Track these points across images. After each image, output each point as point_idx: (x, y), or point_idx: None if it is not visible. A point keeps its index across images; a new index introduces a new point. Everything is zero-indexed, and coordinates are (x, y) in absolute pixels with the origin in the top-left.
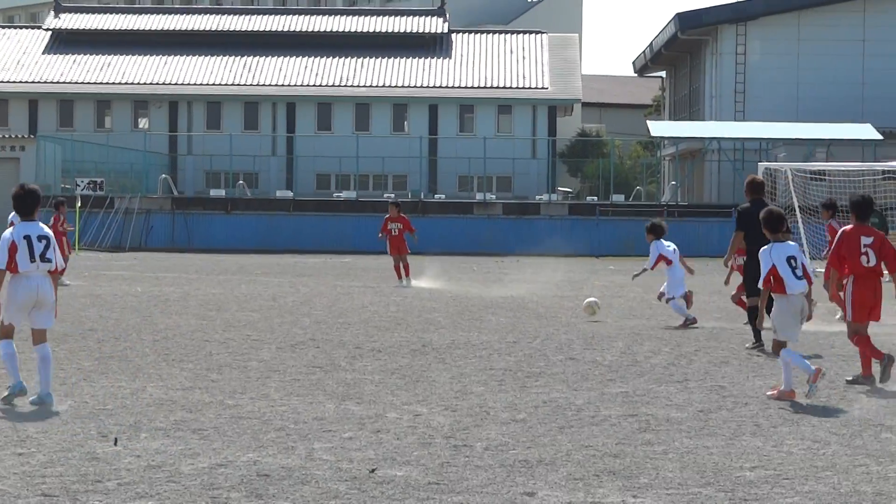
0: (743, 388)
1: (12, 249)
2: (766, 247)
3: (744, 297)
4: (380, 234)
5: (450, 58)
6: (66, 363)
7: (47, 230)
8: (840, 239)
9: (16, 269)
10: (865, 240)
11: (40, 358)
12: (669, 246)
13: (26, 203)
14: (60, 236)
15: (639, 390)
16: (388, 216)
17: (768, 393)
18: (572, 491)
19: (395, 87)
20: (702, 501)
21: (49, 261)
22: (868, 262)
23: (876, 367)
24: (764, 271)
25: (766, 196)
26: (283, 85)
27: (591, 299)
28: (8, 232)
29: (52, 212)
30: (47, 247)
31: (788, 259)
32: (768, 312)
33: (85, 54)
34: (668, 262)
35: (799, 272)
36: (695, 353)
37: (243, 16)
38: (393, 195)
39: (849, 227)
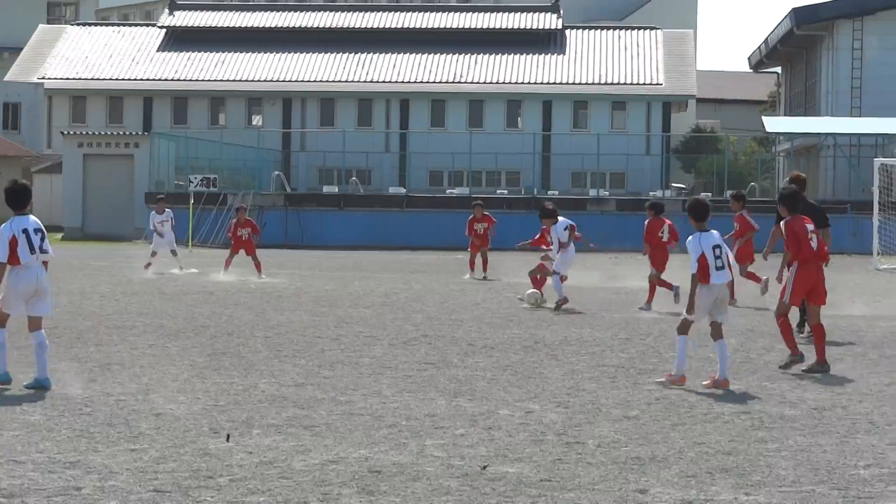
0: (857, 386)
1: (13, 243)
2: (693, 236)
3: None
4: (467, 234)
5: (563, 54)
6: (178, 359)
7: (40, 223)
8: (791, 229)
9: (17, 261)
10: (809, 226)
11: (37, 344)
12: (565, 228)
13: (18, 198)
14: (238, 240)
15: (752, 387)
16: (472, 217)
17: (659, 379)
18: (685, 488)
19: (509, 83)
20: (815, 499)
21: (46, 251)
22: (815, 246)
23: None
24: (694, 259)
25: (803, 191)
26: (396, 81)
27: (531, 291)
28: (5, 226)
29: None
30: (43, 238)
31: (714, 248)
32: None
33: (199, 52)
34: (563, 245)
35: (720, 262)
36: (808, 350)
37: (357, 12)
38: (506, 191)
39: (790, 218)
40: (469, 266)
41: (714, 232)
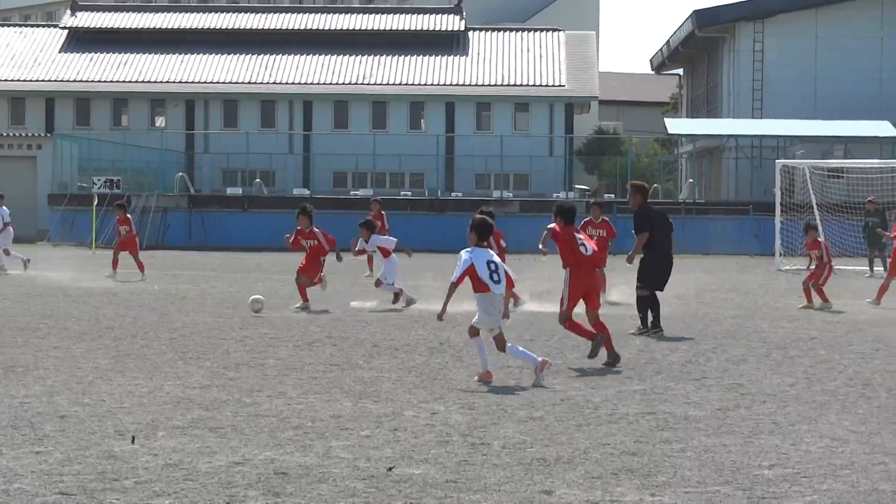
0: (761, 386)
1: None
2: (466, 250)
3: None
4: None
5: (467, 55)
6: (82, 361)
7: None
8: (560, 238)
9: None
10: (578, 236)
11: None
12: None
13: None
14: (118, 237)
15: (656, 388)
16: (371, 213)
17: (475, 378)
18: (590, 489)
19: (412, 84)
20: (720, 500)
21: None
22: (586, 251)
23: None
24: (460, 270)
25: (651, 199)
26: (299, 83)
27: (256, 296)
28: None
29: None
30: None
31: (487, 263)
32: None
33: (101, 53)
34: (386, 254)
35: (496, 276)
36: (712, 350)
37: (260, 14)
38: (410, 193)
39: (562, 229)
40: (368, 264)
41: (489, 250)
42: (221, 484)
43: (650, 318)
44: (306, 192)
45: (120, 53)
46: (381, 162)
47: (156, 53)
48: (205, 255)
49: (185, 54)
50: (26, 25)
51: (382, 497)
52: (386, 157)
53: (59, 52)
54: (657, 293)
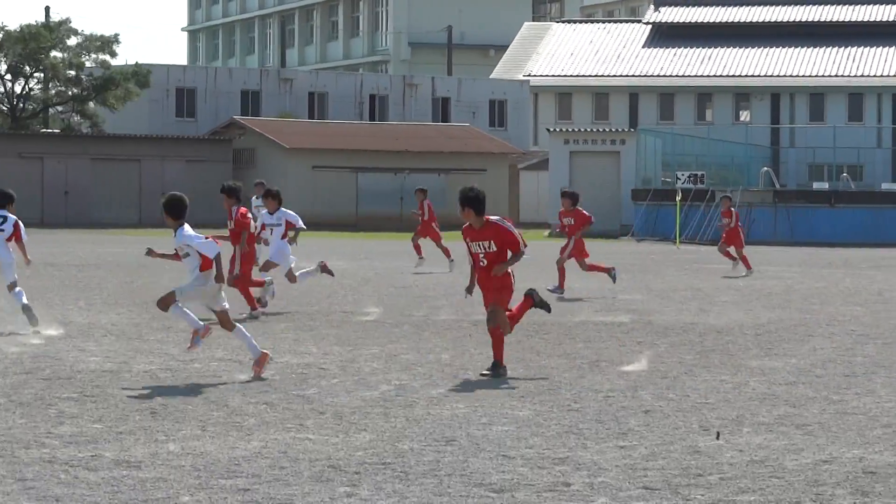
0: None
1: None
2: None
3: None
4: None
5: None
6: (666, 357)
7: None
8: None
9: None
10: None
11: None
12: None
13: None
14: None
15: None
16: None
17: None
18: None
19: None
20: None
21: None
22: None
23: None
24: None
25: None
26: (888, 76)
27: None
28: None
29: None
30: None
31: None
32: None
33: (685, 47)
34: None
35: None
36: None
37: (846, 6)
38: None
39: None
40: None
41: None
42: (808, 482)
43: None
44: (895, 186)
45: (703, 48)
46: None
47: (740, 47)
48: (789, 250)
49: (770, 48)
50: (610, 21)
51: None
52: None
53: (643, 47)
54: None
